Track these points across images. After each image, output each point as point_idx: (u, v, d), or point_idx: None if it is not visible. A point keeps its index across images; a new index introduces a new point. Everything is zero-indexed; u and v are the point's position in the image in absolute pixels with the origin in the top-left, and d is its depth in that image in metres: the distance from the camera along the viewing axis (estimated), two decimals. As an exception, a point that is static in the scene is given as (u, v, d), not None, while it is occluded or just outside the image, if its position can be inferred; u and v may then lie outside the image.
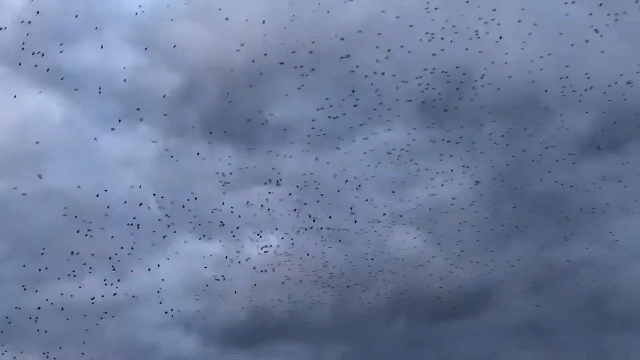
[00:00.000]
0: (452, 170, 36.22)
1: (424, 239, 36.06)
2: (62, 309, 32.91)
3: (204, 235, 36.74)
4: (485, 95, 35.38)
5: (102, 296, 33.76)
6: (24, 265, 34.29)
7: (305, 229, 35.80)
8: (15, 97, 34.42)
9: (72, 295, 33.52)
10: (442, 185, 36.37)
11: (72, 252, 34.47)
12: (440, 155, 35.27)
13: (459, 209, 36.24)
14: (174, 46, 35.20)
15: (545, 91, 34.87)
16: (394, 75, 33.84)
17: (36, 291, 33.23)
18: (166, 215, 36.40)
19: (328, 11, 32.65)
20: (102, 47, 35.61)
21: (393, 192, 36.62)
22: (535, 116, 35.86)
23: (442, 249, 35.83)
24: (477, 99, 35.95)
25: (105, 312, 33.66)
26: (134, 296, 34.25)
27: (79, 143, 38.14)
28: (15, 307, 32.45)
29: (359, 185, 36.25)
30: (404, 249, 36.02)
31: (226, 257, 35.72)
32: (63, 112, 38.86)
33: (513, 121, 35.78)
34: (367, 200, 36.14)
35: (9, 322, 32.38)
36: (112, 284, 34.55)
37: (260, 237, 36.55)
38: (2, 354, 32.65)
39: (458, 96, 35.48)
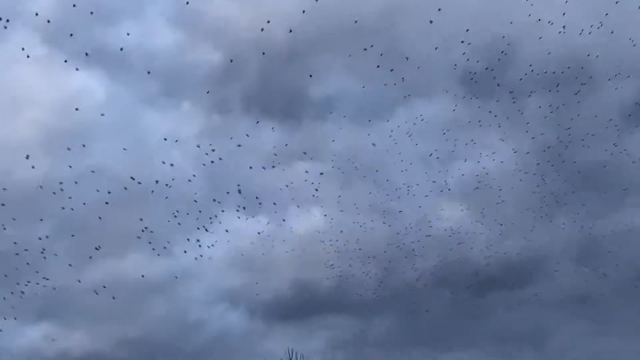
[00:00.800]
0: (496, 143, 36.01)
1: (468, 212, 35.93)
2: (107, 286, 33.13)
3: (249, 212, 36.84)
4: (529, 66, 35.03)
5: (148, 274, 33.91)
6: (70, 243, 34.69)
7: (349, 204, 35.80)
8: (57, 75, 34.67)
9: (118, 273, 33.73)
10: (486, 158, 36.15)
11: (118, 230, 34.84)
12: (483, 128, 35.05)
13: (503, 181, 36.02)
14: (215, 24, 35.15)
15: (589, 59, 34.45)
16: (436, 49, 33.59)
17: (82, 269, 33.53)
18: (211, 192, 36.60)
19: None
20: (143, 26, 35.62)
21: (436, 165, 36.48)
22: (580, 87, 35.46)
23: (486, 222, 35.66)
24: (521, 70, 35.62)
25: (152, 289, 33.82)
26: (180, 273, 34.39)
27: (122, 121, 38.40)
28: (62, 284, 32.74)
29: (402, 160, 36.14)
30: (448, 222, 35.89)
31: (271, 232, 35.82)
32: (106, 91, 39.09)
33: (557, 92, 35.43)
34: (410, 174, 36.03)
35: (56, 299, 32.68)
36: (158, 261, 34.73)
37: (305, 212, 36.62)
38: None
39: (502, 68, 35.17)
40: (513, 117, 35.68)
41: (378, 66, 34.52)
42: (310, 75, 37.65)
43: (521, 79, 35.70)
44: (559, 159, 36.08)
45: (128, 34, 33.97)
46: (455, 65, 35.96)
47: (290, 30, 33.37)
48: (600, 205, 36.84)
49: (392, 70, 35.12)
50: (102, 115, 34.76)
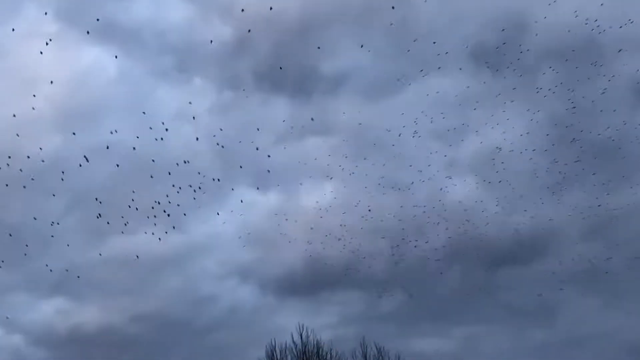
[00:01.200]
0: (508, 118, 35.83)
1: (480, 186, 35.87)
2: (121, 261, 33.28)
3: (261, 187, 36.92)
4: (542, 41, 34.87)
5: (161, 249, 34.05)
6: (84, 218, 34.86)
7: (361, 179, 35.79)
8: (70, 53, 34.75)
9: (131, 247, 33.88)
10: (498, 133, 36.05)
11: (131, 205, 34.98)
12: (496, 103, 34.89)
13: (515, 156, 35.91)
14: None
15: (601, 35, 34.25)
16: (449, 23, 33.51)
17: (96, 244, 33.67)
18: (222, 167, 36.68)
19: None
20: (155, 2, 35.63)
21: (448, 139, 36.39)
22: (593, 62, 35.22)
23: (498, 197, 35.61)
24: (535, 45, 35.45)
25: (165, 264, 33.99)
26: (192, 248, 34.54)
27: (134, 97, 38.49)
28: (76, 259, 32.88)
29: (415, 132, 36.05)
30: (459, 197, 35.86)
31: (282, 207, 35.90)
32: (118, 66, 39.17)
33: (570, 67, 35.24)
34: (422, 148, 35.97)
35: (70, 274, 32.82)
36: (170, 236, 34.86)
37: (316, 187, 36.67)
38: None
39: (515, 42, 34.99)
40: (525, 93, 35.56)
41: (390, 41, 34.51)
42: (319, 47, 37.49)
43: (536, 53, 35.53)
44: (571, 134, 35.96)
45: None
46: (468, 40, 35.90)
47: (306, 11, 33.38)
48: (611, 180, 36.76)
49: (404, 44, 35.05)
50: (115, 91, 34.94)
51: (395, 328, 34.04)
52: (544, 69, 35.73)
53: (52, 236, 33.86)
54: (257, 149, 36.39)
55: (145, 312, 35.13)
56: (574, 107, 35.43)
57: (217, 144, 36.23)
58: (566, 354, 30.76)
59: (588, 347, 30.79)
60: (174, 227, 35.46)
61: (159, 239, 34.86)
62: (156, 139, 35.86)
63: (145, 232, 35.26)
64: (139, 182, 35.48)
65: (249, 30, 35.44)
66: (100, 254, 33.79)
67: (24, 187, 34.70)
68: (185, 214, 35.96)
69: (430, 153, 36.29)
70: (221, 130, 36.20)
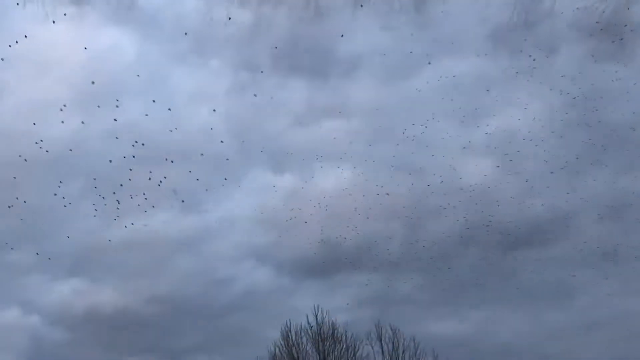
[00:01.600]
0: (526, 102, 35.62)
1: (495, 168, 35.73)
2: (137, 242, 33.36)
3: (277, 169, 36.93)
4: (558, 22, 34.54)
5: (177, 231, 34.10)
6: (100, 200, 34.96)
7: (377, 161, 35.74)
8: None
9: (147, 230, 33.96)
10: (514, 114, 35.83)
11: (147, 187, 35.07)
12: (514, 86, 34.68)
13: (532, 138, 35.71)
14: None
15: (623, 15, 33.87)
16: (468, 4, 33.20)
17: (112, 225, 33.77)
18: (238, 149, 36.68)
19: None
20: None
21: (464, 122, 36.20)
22: (610, 43, 34.90)
23: (514, 179, 35.47)
24: (550, 26, 35.13)
25: (181, 246, 34.05)
26: (208, 230, 34.58)
27: (151, 79, 38.44)
28: (92, 241, 33.01)
29: (430, 117, 35.91)
30: (475, 179, 35.74)
31: (298, 189, 35.88)
32: (136, 49, 39.14)
33: (587, 48, 34.95)
34: (438, 130, 35.81)
35: (86, 255, 32.96)
36: (186, 218, 34.90)
37: (332, 169, 36.62)
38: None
39: (531, 24, 34.67)
40: (544, 75, 35.27)
41: (406, 22, 34.24)
42: (342, 36, 37.39)
43: (552, 34, 35.23)
44: (588, 116, 35.69)
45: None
46: (487, 21, 35.67)
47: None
48: (629, 163, 36.54)
49: (420, 25, 34.81)
50: (137, 75, 34.92)
51: (410, 311, 33.97)
52: (561, 49, 35.53)
53: (69, 217, 34.07)
54: (273, 131, 36.40)
55: (161, 294, 35.17)
56: (591, 89, 35.18)
57: (233, 126, 36.26)
58: (583, 337, 30.64)
59: (605, 331, 30.66)
60: (190, 210, 35.54)
61: (175, 221, 35.00)
62: (172, 122, 35.93)
63: (162, 214, 35.39)
64: (155, 164, 35.56)
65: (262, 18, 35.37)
66: (116, 236, 33.88)
67: (41, 169, 34.89)
68: (200, 196, 36.00)
69: (446, 135, 36.14)
70: (237, 112, 36.24)
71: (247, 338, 32.76)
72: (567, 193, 34.03)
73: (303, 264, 34.56)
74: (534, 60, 36.25)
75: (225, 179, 35.53)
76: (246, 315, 33.26)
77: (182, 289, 33.69)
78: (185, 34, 34.01)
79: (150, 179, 34.31)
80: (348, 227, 34.69)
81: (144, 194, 34.04)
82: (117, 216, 33.71)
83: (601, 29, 35.85)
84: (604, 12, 34.36)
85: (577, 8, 34.45)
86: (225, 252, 33.80)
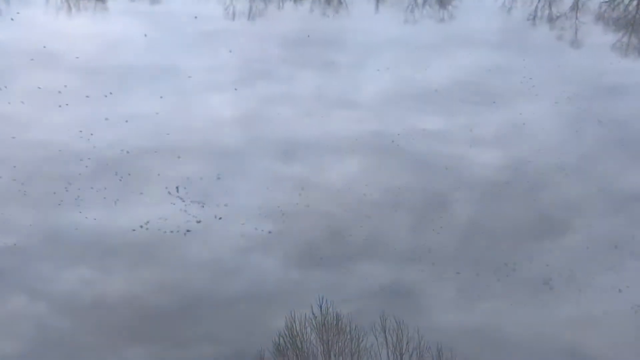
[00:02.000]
0: (536, 93, 35.22)
1: (503, 159, 35.45)
2: (146, 231, 33.65)
3: (285, 159, 37.00)
4: (568, 12, 34.18)
5: (183, 221, 34.37)
6: (109, 188, 35.19)
7: (385, 151, 35.64)
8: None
9: (155, 219, 34.22)
10: (523, 106, 35.54)
11: (156, 176, 35.20)
12: (523, 76, 34.24)
13: (540, 130, 35.43)
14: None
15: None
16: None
17: (120, 214, 34.06)
18: (248, 139, 36.73)
19: None
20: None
21: (473, 112, 36.02)
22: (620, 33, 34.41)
23: (521, 170, 35.18)
24: (570, 19, 34.82)
25: (189, 236, 34.41)
26: (216, 220, 34.82)
27: (161, 67, 38.63)
28: (100, 229, 33.38)
29: (439, 107, 35.74)
30: (484, 170, 35.48)
31: (306, 179, 35.90)
32: (145, 36, 39.36)
33: (606, 42, 34.46)
34: (447, 121, 35.63)
35: (95, 244, 33.30)
36: (194, 208, 35.09)
37: (341, 160, 36.60)
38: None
39: (539, 15, 34.41)
40: (555, 66, 34.83)
41: (415, 13, 34.15)
42: (353, 26, 37.40)
43: (565, 25, 34.87)
44: (597, 109, 35.33)
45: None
46: (494, 11, 35.32)
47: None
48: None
49: (431, 15, 34.71)
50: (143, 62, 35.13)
51: (415, 302, 33.67)
52: (575, 41, 35.04)
53: (77, 205, 34.27)
54: (281, 120, 36.46)
55: (168, 283, 35.37)
56: (600, 81, 34.80)
57: (242, 115, 36.40)
58: (592, 328, 30.07)
59: (613, 323, 30.07)
60: (198, 199, 35.65)
61: (183, 210, 35.09)
62: (180, 112, 36.12)
63: (170, 203, 35.59)
64: (164, 153, 35.79)
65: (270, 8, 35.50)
66: (124, 224, 34.19)
67: (50, 157, 35.19)
68: (209, 186, 36.24)
69: (458, 126, 35.98)
70: (246, 101, 36.31)
71: (253, 328, 32.89)
72: (575, 184, 33.65)
73: (311, 255, 34.60)
74: (550, 49, 35.88)
75: (233, 169, 35.72)
76: (253, 306, 33.35)
77: (189, 278, 33.87)
78: (195, 17, 34.21)
79: (159, 168, 34.52)
80: (355, 217, 34.72)
81: (153, 180, 34.34)
82: (127, 204, 34.08)
83: (622, 23, 35.51)
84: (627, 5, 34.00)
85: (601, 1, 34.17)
86: (233, 243, 33.97)
